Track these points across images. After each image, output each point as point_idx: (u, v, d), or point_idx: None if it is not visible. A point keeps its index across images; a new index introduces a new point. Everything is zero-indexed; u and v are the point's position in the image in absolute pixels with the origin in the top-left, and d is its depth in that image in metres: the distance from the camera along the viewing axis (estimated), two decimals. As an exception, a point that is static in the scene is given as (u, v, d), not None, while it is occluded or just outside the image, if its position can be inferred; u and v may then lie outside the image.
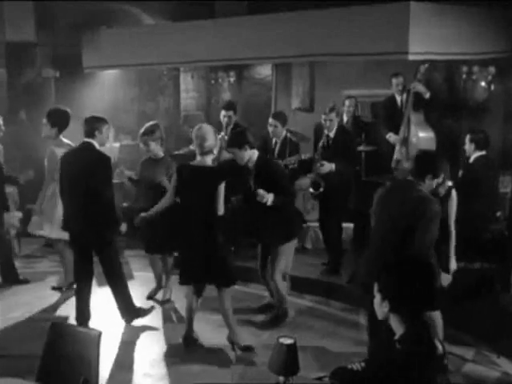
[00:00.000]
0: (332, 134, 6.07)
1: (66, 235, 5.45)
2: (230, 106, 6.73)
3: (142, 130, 5.54)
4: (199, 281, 4.75)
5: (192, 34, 7.41)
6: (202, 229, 4.56)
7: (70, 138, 6.03)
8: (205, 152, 4.59)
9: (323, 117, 6.06)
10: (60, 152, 5.70)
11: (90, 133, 5.00)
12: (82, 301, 5.13)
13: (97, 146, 5.01)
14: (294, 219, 5.19)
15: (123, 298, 5.24)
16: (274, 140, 6.28)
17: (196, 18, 7.61)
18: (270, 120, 6.16)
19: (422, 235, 3.86)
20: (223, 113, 6.65)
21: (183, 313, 5.45)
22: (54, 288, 6.08)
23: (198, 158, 4.64)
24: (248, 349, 4.71)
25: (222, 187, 4.49)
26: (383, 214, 4.07)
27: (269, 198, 4.75)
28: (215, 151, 4.81)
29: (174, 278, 5.76)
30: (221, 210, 4.52)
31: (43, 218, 5.91)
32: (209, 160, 4.64)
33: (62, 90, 8.31)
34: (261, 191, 4.74)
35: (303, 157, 6.30)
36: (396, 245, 3.87)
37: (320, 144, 6.14)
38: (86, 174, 4.88)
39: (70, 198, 5.04)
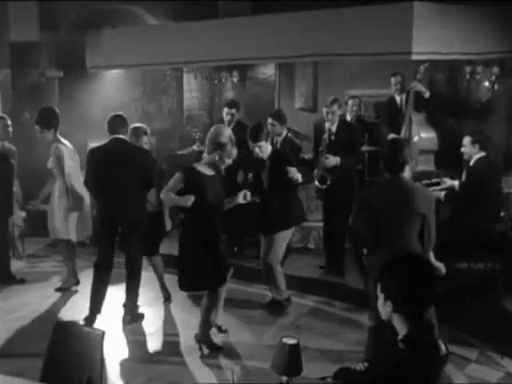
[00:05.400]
0: (334, 128, 6.10)
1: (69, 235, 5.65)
2: (233, 104, 6.87)
3: (138, 127, 5.49)
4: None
5: (195, 34, 7.42)
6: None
7: (72, 138, 6.06)
8: None
9: (325, 109, 6.09)
10: (65, 150, 5.74)
11: None
12: (101, 295, 5.18)
13: None
14: (295, 209, 5.34)
15: (133, 295, 5.27)
16: (274, 139, 6.28)
17: (199, 18, 7.62)
18: (269, 119, 6.16)
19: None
20: (226, 110, 6.77)
21: (183, 312, 5.48)
22: (58, 289, 6.07)
23: None
24: (217, 348, 4.73)
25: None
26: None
27: (298, 177, 5.08)
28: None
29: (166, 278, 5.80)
30: None
31: (55, 220, 5.87)
32: None
33: (65, 90, 8.32)
34: (291, 168, 5.00)
35: (306, 157, 6.30)
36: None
37: (324, 137, 6.16)
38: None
39: None
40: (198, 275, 4.55)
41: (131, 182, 5.05)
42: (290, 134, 6.31)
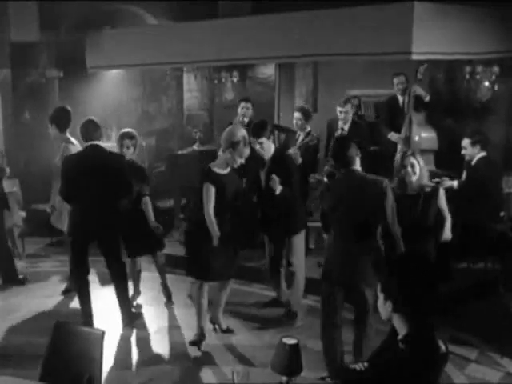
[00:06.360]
0: (346, 127, 6.20)
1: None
2: (248, 99, 7.07)
3: (123, 132, 5.48)
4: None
5: (195, 34, 7.41)
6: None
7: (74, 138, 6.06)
8: None
9: (338, 109, 6.28)
10: (74, 150, 5.75)
11: None
12: (87, 298, 5.14)
13: None
14: (300, 212, 5.36)
15: (124, 297, 5.27)
16: (297, 133, 6.44)
17: (199, 18, 7.61)
18: (296, 114, 6.39)
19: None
20: (242, 104, 6.92)
21: (184, 312, 5.48)
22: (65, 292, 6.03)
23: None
24: (228, 330, 5.02)
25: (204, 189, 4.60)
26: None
27: (277, 188, 4.91)
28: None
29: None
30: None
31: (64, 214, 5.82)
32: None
33: (65, 90, 8.31)
34: (274, 176, 4.91)
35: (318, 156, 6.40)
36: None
37: (336, 135, 6.26)
38: None
39: None
40: (214, 266, 4.69)
41: (106, 189, 4.94)
42: (312, 133, 6.42)
